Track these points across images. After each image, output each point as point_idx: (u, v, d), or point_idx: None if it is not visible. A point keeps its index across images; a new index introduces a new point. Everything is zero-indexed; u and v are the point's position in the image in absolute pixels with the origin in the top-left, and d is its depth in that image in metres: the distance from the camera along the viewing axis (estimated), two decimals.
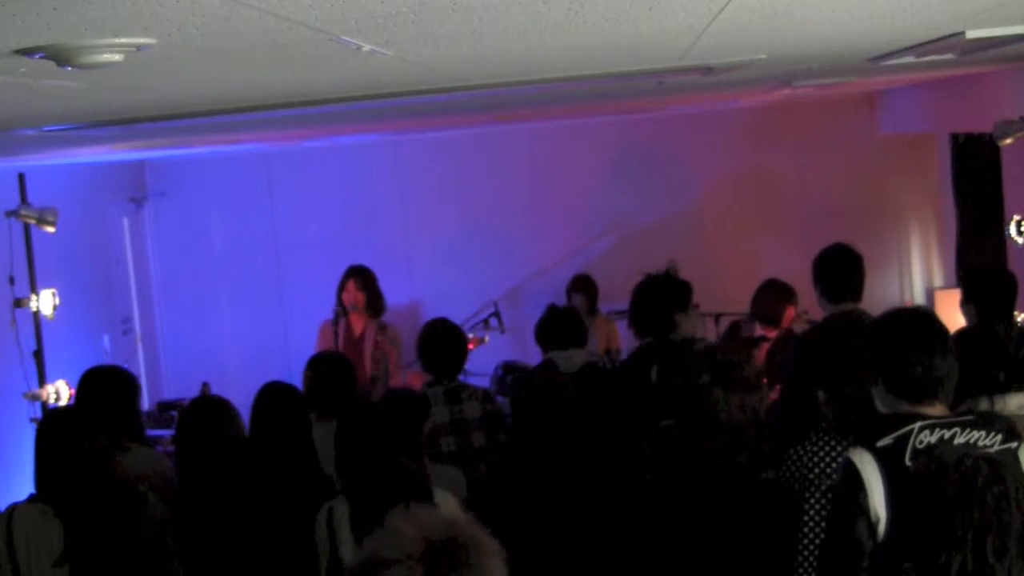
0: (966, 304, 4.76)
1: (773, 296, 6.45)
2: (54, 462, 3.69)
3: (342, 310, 6.81)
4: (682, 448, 3.25)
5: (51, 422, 3.88)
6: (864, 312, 4.49)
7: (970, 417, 2.80)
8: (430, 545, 1.66)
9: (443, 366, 4.89)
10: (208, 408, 4.13)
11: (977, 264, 5.63)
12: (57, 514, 3.57)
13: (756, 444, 3.24)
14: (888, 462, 2.71)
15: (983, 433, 2.71)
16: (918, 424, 2.73)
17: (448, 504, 3.49)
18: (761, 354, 6.33)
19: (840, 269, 4.57)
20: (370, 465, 3.39)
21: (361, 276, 6.84)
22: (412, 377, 6.49)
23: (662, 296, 4.73)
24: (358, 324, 6.81)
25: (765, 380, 5.98)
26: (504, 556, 1.74)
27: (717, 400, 3.16)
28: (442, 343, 4.94)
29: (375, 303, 6.84)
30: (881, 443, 2.74)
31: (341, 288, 6.85)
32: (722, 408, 3.16)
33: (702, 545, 3.14)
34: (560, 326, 5.18)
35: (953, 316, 4.94)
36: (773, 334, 6.41)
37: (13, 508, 3.69)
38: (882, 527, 2.68)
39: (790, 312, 6.44)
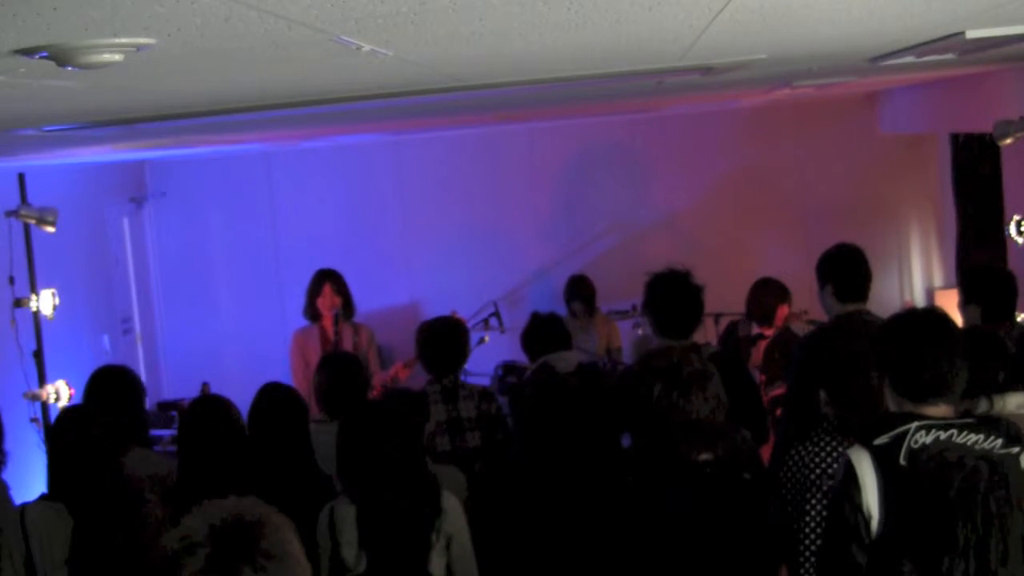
0: (968, 305, 4.74)
1: (765, 294, 6.48)
2: (68, 460, 3.70)
3: (318, 314, 6.74)
4: (657, 450, 3.23)
5: (66, 421, 3.89)
6: (871, 312, 4.48)
7: (970, 420, 2.80)
8: (212, 529, 1.71)
9: (442, 365, 4.90)
10: (210, 407, 4.13)
11: (975, 263, 5.59)
12: (70, 512, 3.59)
13: (728, 433, 3.23)
14: (883, 460, 2.73)
15: (981, 436, 2.72)
16: (915, 424, 2.75)
17: (452, 505, 3.49)
18: (758, 352, 6.33)
19: (853, 268, 4.56)
20: (378, 468, 3.39)
21: (336, 280, 6.77)
22: (401, 371, 6.49)
23: (692, 297, 4.56)
24: (332, 328, 6.76)
25: (763, 377, 6.01)
26: (294, 528, 1.80)
27: (677, 404, 3.15)
28: (440, 342, 4.94)
29: (350, 306, 6.80)
30: (878, 441, 2.76)
31: (316, 293, 6.75)
32: (685, 408, 3.15)
33: (692, 545, 3.13)
34: (547, 332, 5.34)
35: (954, 316, 4.93)
36: (770, 332, 6.42)
37: (24, 507, 3.70)
38: (875, 524, 2.71)
39: (783, 310, 6.44)
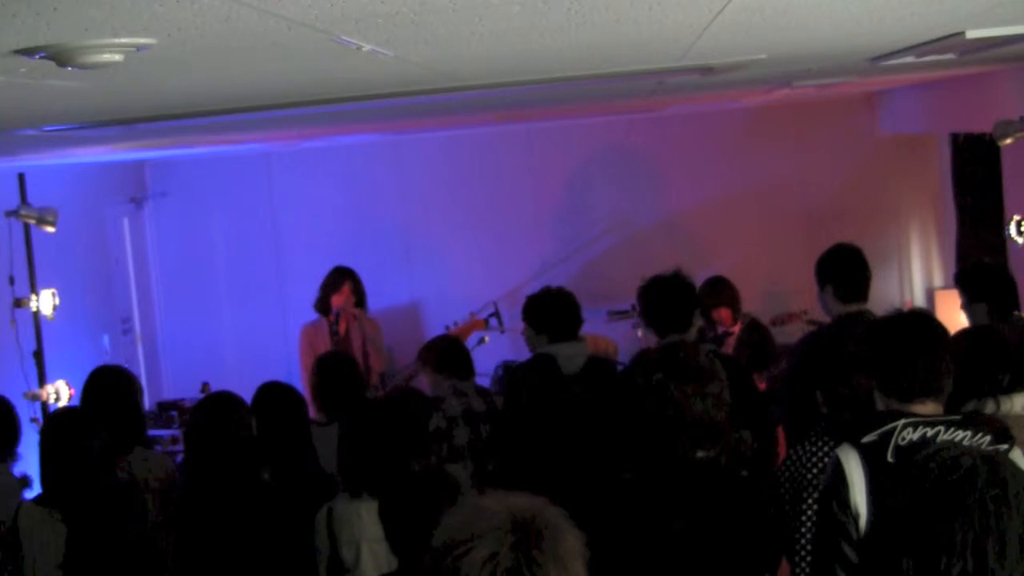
0: (974, 304, 4.72)
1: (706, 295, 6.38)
2: (59, 463, 3.70)
3: (330, 308, 6.74)
4: (655, 445, 3.22)
5: (56, 422, 3.89)
6: (871, 312, 4.48)
7: (957, 417, 2.82)
8: (517, 520, 1.67)
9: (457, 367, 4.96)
10: (222, 403, 4.12)
11: (973, 263, 5.50)
12: (64, 519, 3.58)
13: (726, 433, 3.22)
14: (871, 458, 2.75)
15: (969, 433, 2.74)
16: (902, 421, 2.77)
17: None
18: (728, 350, 6.24)
19: (854, 269, 4.56)
20: (408, 467, 3.38)
21: (353, 278, 6.81)
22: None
23: (682, 294, 4.53)
24: (341, 323, 6.78)
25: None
26: (584, 539, 1.75)
27: (674, 395, 3.14)
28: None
29: (362, 304, 6.83)
30: (866, 439, 2.78)
31: (333, 290, 6.76)
32: (682, 402, 3.13)
33: (684, 545, 3.13)
34: (557, 315, 4.75)
35: (954, 315, 4.93)
36: (736, 328, 6.37)
37: (20, 506, 3.70)
38: (863, 522, 2.72)
39: (722, 313, 6.38)
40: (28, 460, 4.37)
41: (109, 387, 4.38)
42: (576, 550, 1.72)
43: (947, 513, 1.95)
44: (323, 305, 6.79)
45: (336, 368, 4.74)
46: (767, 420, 4.60)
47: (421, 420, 4.05)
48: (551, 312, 4.76)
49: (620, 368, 6.44)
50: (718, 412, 3.12)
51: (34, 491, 4.08)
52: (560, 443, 4.55)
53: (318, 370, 4.74)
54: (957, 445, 2.66)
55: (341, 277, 6.79)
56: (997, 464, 2.00)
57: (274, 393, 4.20)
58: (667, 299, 4.44)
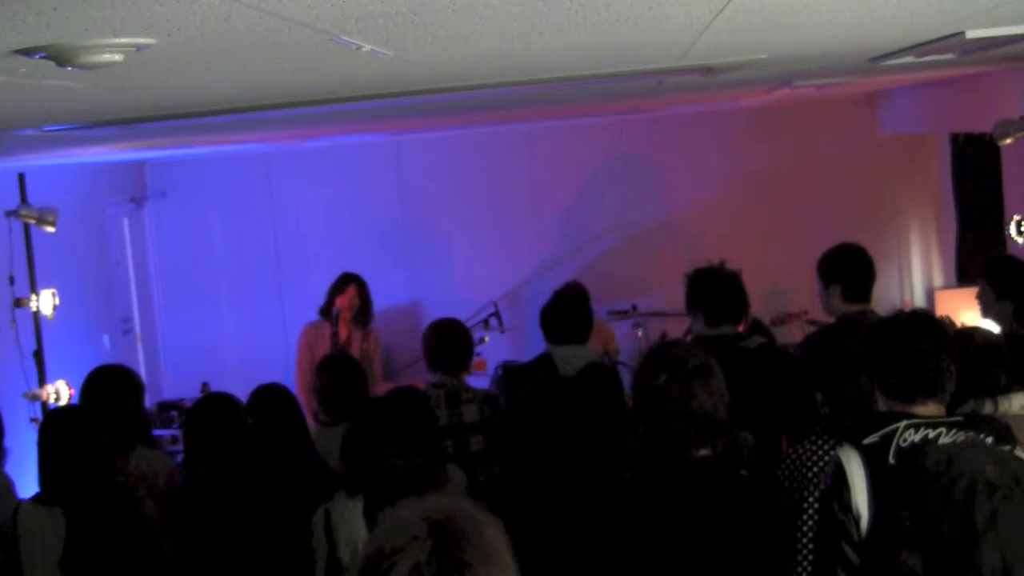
0: (1000, 301, 4.66)
1: None
2: (57, 462, 3.70)
3: (331, 311, 6.76)
4: (656, 444, 3.22)
5: (53, 422, 3.88)
6: (875, 312, 4.48)
7: (958, 418, 2.82)
8: (433, 524, 1.66)
9: (449, 366, 4.88)
10: (219, 404, 4.12)
11: (1000, 256, 5.35)
12: (64, 515, 3.58)
13: (728, 429, 3.22)
14: (872, 459, 2.74)
15: (972, 435, 2.73)
16: (903, 423, 2.76)
17: None
18: None
19: (860, 269, 4.55)
20: (388, 462, 3.38)
21: (360, 284, 6.83)
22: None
23: (736, 287, 4.68)
24: (343, 330, 6.79)
25: None
26: (502, 527, 1.73)
27: (679, 394, 3.13)
28: (447, 341, 4.91)
29: (366, 312, 6.84)
30: (867, 441, 2.78)
31: (338, 292, 6.79)
32: (687, 400, 3.13)
33: (684, 544, 3.13)
34: (563, 319, 4.84)
35: (954, 315, 4.90)
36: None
37: (18, 506, 3.69)
38: (864, 523, 2.72)
39: None
40: (26, 460, 4.37)
41: (108, 387, 4.38)
42: (500, 541, 1.70)
43: (953, 517, 1.93)
44: (328, 310, 6.82)
45: (342, 369, 4.74)
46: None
47: (420, 419, 4.03)
48: (552, 316, 4.86)
49: (621, 368, 6.47)
50: (718, 410, 3.12)
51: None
52: (554, 443, 4.54)
53: (324, 371, 4.73)
54: (961, 447, 2.66)
55: (346, 280, 6.85)
56: (1003, 467, 1.99)
57: (269, 395, 4.21)
58: (721, 295, 4.49)
